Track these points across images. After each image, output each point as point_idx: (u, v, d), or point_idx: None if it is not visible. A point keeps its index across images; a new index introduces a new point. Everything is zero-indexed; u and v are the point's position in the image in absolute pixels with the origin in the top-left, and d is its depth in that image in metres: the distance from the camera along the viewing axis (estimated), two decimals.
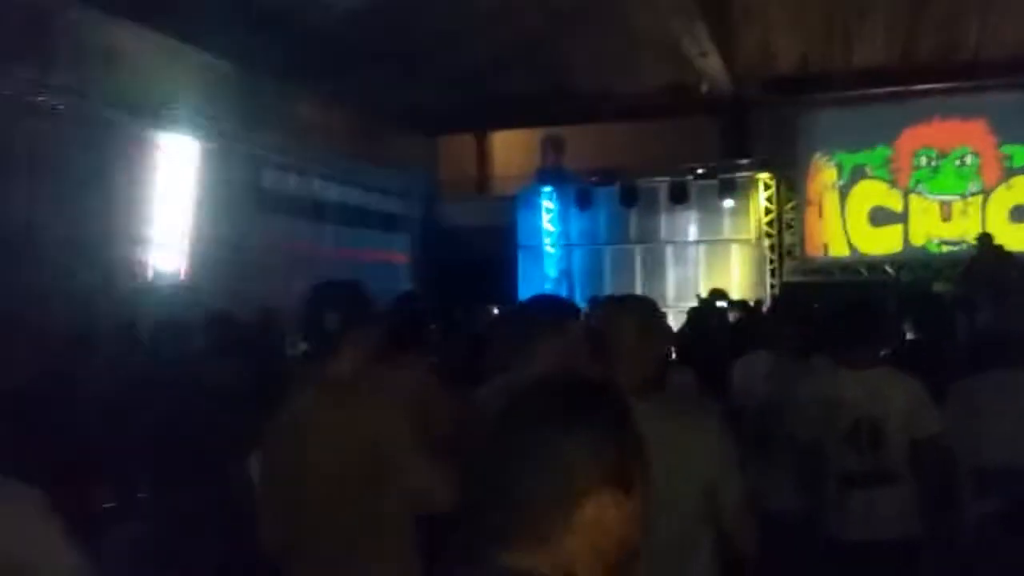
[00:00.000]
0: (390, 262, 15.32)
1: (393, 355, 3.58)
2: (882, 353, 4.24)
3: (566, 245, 16.19)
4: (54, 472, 3.77)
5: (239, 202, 11.67)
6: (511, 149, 17.68)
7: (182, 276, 10.46)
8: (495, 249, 15.80)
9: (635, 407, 1.34)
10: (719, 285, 12.05)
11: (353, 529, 2.41)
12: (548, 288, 14.87)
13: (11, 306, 8.01)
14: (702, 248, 15.43)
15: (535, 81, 14.23)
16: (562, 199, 16.11)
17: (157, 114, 10.65)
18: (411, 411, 2.64)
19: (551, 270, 16.03)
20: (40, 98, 9.38)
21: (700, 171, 14.91)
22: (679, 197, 15.04)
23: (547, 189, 16.10)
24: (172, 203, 10.47)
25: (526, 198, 16.25)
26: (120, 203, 9.89)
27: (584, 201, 15.71)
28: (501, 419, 1.18)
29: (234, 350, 5.85)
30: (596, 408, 1.17)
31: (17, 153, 9.15)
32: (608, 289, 14.58)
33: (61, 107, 9.44)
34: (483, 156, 17.98)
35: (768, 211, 15.04)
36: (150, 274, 10.11)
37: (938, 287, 11.29)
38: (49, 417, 4.47)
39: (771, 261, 14.92)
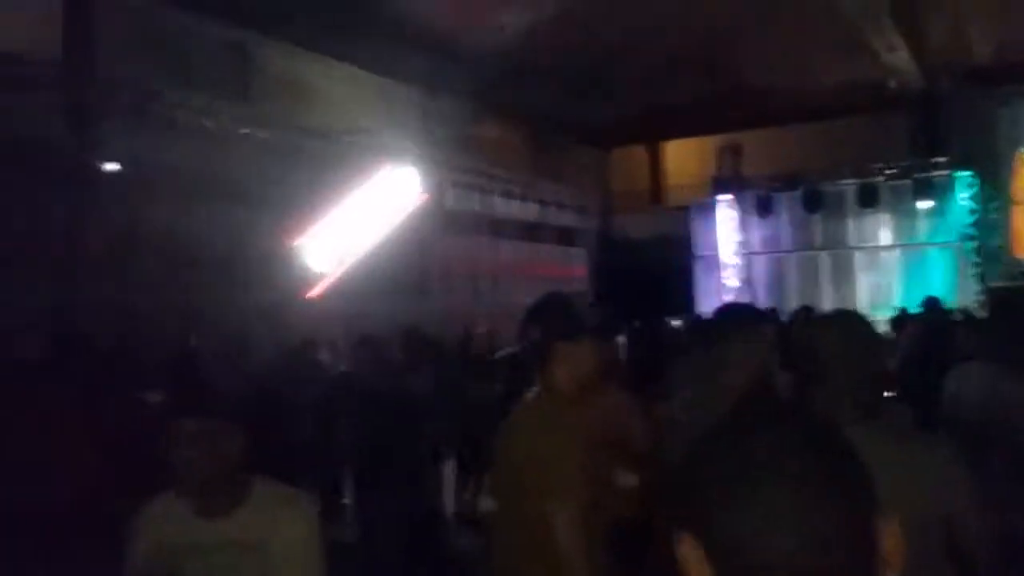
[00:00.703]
0: (568, 276, 15.41)
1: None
2: None
3: (746, 254, 15.70)
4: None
5: (424, 222, 12.10)
6: (685, 158, 17.43)
7: (371, 293, 10.94)
8: (671, 260, 15.57)
9: (850, 432, 1.12)
10: (918, 292, 11.34)
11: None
12: (727, 299, 14.47)
13: (219, 322, 8.70)
14: (896, 253, 14.52)
15: (709, 87, 13.94)
16: (741, 207, 15.65)
17: (347, 141, 11.22)
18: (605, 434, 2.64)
19: (730, 280, 15.60)
20: (243, 130, 10.13)
21: (891, 171, 14.07)
22: (869, 200, 14.24)
23: (724, 197, 15.70)
24: (362, 224, 10.98)
25: (701, 207, 15.91)
26: (316, 225, 10.48)
27: (764, 208, 15.19)
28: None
29: (427, 364, 6.07)
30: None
31: (224, 181, 9.93)
32: (792, 299, 14.02)
33: (263, 138, 10.13)
34: (656, 167, 17.81)
35: (970, 212, 13.97)
36: (343, 291, 10.63)
37: None
38: (269, 426, 4.76)
39: (976, 265, 13.83)
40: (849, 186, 14.53)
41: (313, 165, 10.55)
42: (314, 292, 10.14)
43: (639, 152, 17.73)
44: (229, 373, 5.01)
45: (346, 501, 5.84)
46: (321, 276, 10.27)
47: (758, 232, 15.62)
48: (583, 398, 2.56)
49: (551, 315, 2.61)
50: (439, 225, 12.58)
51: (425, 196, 12.07)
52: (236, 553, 1.99)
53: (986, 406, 4.12)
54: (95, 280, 8.08)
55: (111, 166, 9.20)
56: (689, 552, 0.89)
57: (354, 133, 11.37)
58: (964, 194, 13.98)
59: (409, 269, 11.48)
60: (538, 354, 2.55)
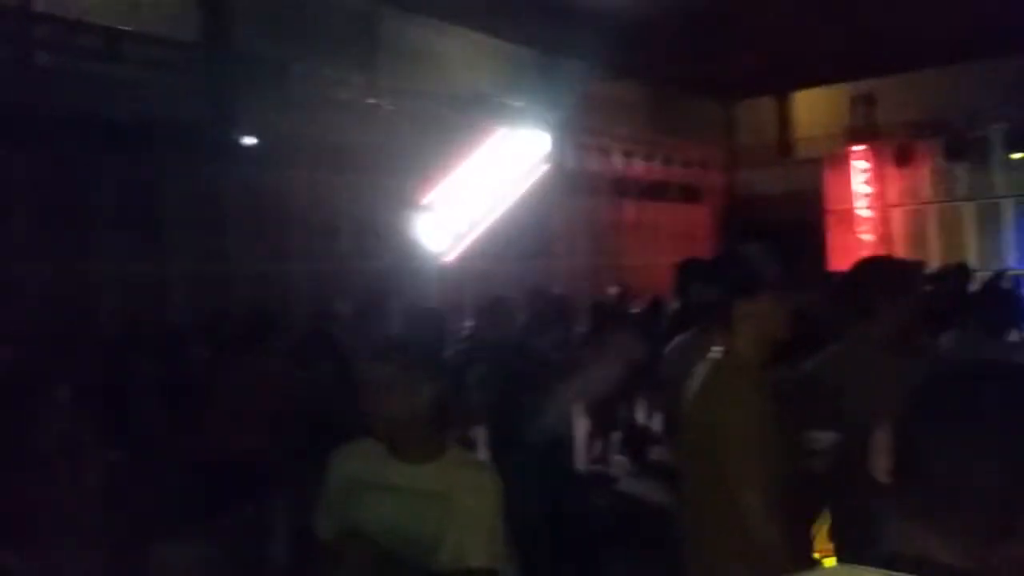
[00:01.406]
0: (693, 234, 15.15)
1: None
2: None
3: (882, 207, 15.01)
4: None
5: (546, 184, 12.12)
6: (815, 109, 16.75)
7: (496, 255, 11.08)
8: (801, 215, 15.06)
9: None
10: None
11: None
12: (862, 255, 13.90)
13: (359, 288, 9.03)
14: None
15: (839, 33, 13.27)
16: (876, 158, 14.94)
17: (470, 106, 11.33)
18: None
19: (866, 235, 14.97)
20: (371, 100, 10.38)
21: None
22: (1018, 145, 13.31)
23: (858, 148, 15.02)
24: (487, 187, 11.10)
25: (834, 160, 15.28)
26: (444, 190, 10.67)
27: (902, 158, 14.45)
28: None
29: (552, 324, 6.09)
30: None
31: (357, 151, 10.23)
32: (933, 253, 13.36)
33: (391, 107, 10.35)
34: (785, 119, 17.19)
35: None
36: (469, 254, 10.81)
37: None
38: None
39: None
40: (997, 131, 13.62)
41: (438, 131, 10.73)
42: (444, 256, 10.35)
43: (766, 104, 17.14)
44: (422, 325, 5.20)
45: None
46: (450, 240, 10.46)
47: (895, 184, 14.89)
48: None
49: (728, 271, 2.49)
50: (561, 186, 12.57)
51: (547, 158, 12.08)
52: (420, 500, 2.06)
53: None
54: (247, 252, 8.51)
55: (250, 140, 9.63)
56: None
57: (476, 98, 11.46)
58: None
59: (533, 231, 11.55)
60: (716, 315, 2.45)
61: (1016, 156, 13.45)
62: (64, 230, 7.30)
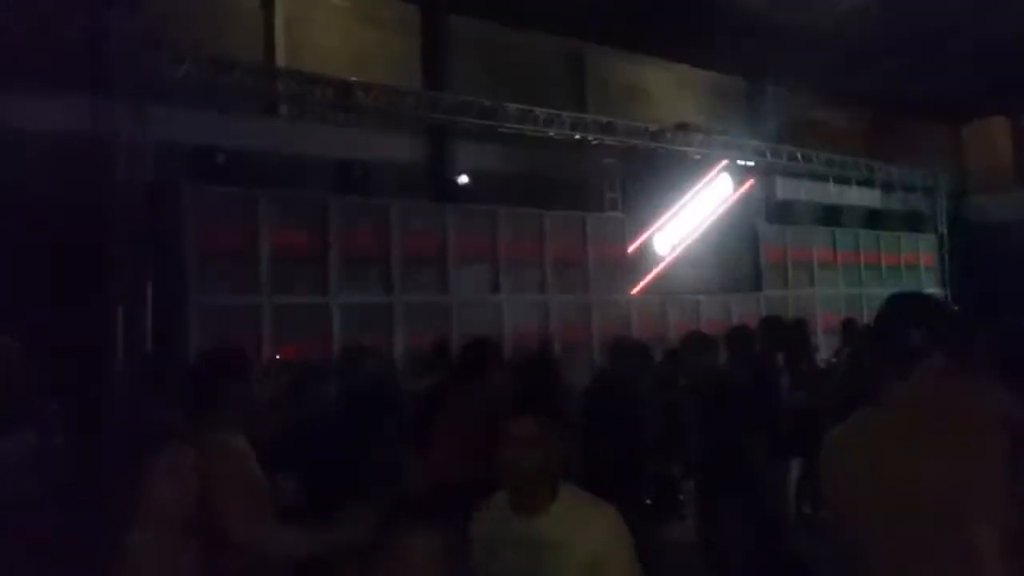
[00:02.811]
0: (915, 265, 14.21)
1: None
2: None
3: None
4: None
5: (754, 212, 11.88)
6: None
7: (702, 287, 10.95)
8: None
9: None
10: None
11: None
12: None
13: (568, 321, 9.27)
14: None
15: None
16: None
17: (676, 137, 11.33)
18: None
19: None
20: (577, 136, 10.65)
21: None
22: None
23: None
24: (696, 219, 11.05)
25: None
26: (655, 223, 10.71)
27: None
28: None
29: (749, 360, 5.90)
30: None
31: (567, 186, 10.55)
32: None
33: (595, 142, 10.58)
34: (1021, 140, 15.85)
35: None
36: (676, 286, 10.76)
37: None
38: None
39: None
40: None
41: (648, 164, 10.83)
42: (651, 287, 10.39)
43: (999, 124, 15.89)
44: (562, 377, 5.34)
45: (681, 498, 5.93)
46: (657, 272, 10.49)
47: None
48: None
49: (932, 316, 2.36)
50: (769, 215, 12.25)
51: (755, 186, 11.83)
52: (542, 551, 2.11)
53: None
54: (462, 283, 8.97)
55: (464, 179, 10.17)
56: None
57: (682, 129, 11.46)
58: None
59: (740, 261, 11.33)
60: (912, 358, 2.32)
61: None
62: (302, 265, 8.00)
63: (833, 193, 13.67)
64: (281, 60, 9.72)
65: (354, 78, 9.28)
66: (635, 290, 10.23)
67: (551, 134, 10.41)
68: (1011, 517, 2.06)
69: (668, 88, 12.75)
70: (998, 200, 14.85)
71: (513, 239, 9.40)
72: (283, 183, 8.18)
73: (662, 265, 10.60)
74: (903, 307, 2.33)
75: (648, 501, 7.09)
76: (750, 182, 11.76)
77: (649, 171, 10.81)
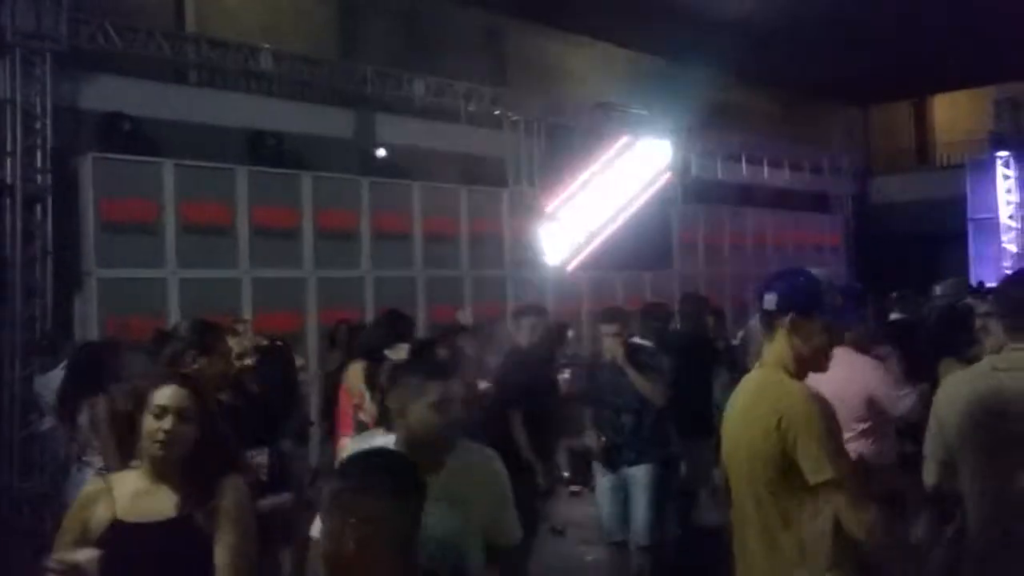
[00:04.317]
0: (821, 244, 14.71)
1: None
2: None
3: None
4: None
5: (670, 191, 12.05)
6: (956, 113, 16.00)
7: (616, 264, 11.08)
8: (940, 225, 14.42)
9: None
10: None
11: None
12: (1006, 266, 13.21)
13: (479, 296, 9.28)
14: None
15: (981, 34, 12.62)
16: (1022, 164, 14.13)
17: (596, 116, 11.41)
18: None
19: (1010, 245, 14.16)
20: (497, 111, 10.63)
21: None
22: None
23: (1003, 154, 14.24)
24: (610, 196, 11.15)
25: (977, 166, 14.54)
26: (568, 199, 10.78)
27: None
28: None
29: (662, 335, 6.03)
30: None
31: (483, 161, 10.52)
32: None
33: (514, 118, 10.57)
34: (922, 123, 16.49)
35: None
36: (589, 263, 10.86)
37: None
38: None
39: None
40: None
41: (566, 141, 10.86)
42: (565, 264, 10.46)
43: (902, 108, 16.50)
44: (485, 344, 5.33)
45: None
46: (570, 249, 10.56)
47: None
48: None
49: (789, 286, 2.52)
50: (682, 195, 12.47)
51: (671, 166, 12.01)
52: (442, 507, 2.18)
53: None
54: (376, 260, 8.87)
55: (381, 152, 10.05)
56: None
57: (602, 108, 11.54)
58: None
59: (653, 239, 11.50)
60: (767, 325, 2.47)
61: None
62: (210, 238, 7.79)
63: (745, 173, 14.00)
64: (191, 26, 9.41)
65: (266, 45, 9.08)
66: (551, 266, 10.29)
67: (471, 108, 10.38)
68: (841, 477, 2.19)
69: (588, 66, 12.80)
70: (899, 181, 15.44)
71: (429, 214, 9.35)
72: (192, 152, 7.93)
73: (578, 241, 10.67)
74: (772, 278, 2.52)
75: (565, 473, 7.25)
76: (666, 161, 11.93)
77: (568, 148, 10.85)
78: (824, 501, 2.23)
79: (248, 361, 4.13)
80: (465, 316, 7.69)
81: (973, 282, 11.06)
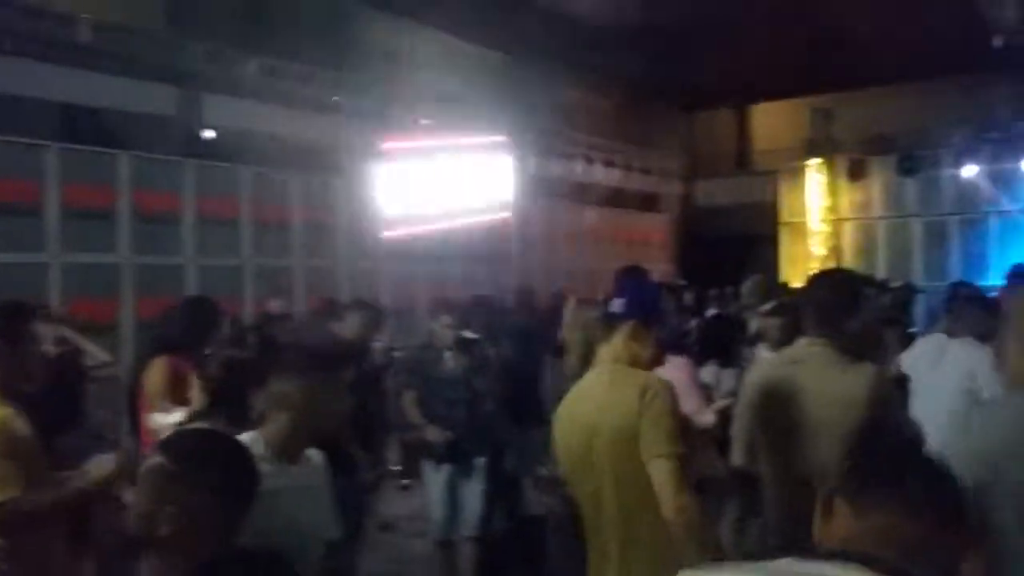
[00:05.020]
0: (650, 242, 15.33)
1: None
2: None
3: (835, 220, 15.32)
4: None
5: (507, 187, 12.17)
6: (773, 122, 17.03)
7: (452, 258, 11.09)
8: (755, 227, 15.34)
9: None
10: (1017, 261, 10.93)
11: None
12: (813, 267, 14.21)
13: (309, 288, 9.03)
14: (998, 220, 13.92)
15: (799, 48, 13.53)
16: (831, 172, 15.26)
17: (435, 107, 11.36)
18: None
19: (818, 247, 15.27)
20: (334, 97, 10.38)
21: (991, 135, 13.50)
22: (966, 164, 13.71)
23: (814, 162, 15.32)
24: (446, 189, 11.13)
25: (790, 172, 15.57)
26: (404, 190, 10.67)
27: (856, 173, 14.82)
28: None
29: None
30: None
31: (317, 148, 10.24)
32: (882, 266, 13.70)
33: (354, 105, 10.36)
34: (743, 130, 17.46)
35: None
36: (425, 256, 10.82)
37: None
38: None
39: None
40: (947, 149, 13.99)
41: (404, 132, 10.75)
42: (400, 255, 10.36)
43: (725, 115, 17.40)
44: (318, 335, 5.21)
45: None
46: (405, 241, 10.47)
47: (847, 198, 15.23)
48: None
49: (638, 294, 2.66)
50: (520, 190, 12.65)
51: (508, 161, 12.14)
52: (304, 494, 2.30)
53: None
54: (199, 246, 8.45)
55: (210, 133, 9.58)
56: None
57: (442, 99, 11.50)
58: None
59: (489, 235, 11.60)
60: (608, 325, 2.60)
61: (963, 174, 13.84)
62: (17, 220, 7.20)
63: (581, 171, 14.37)
64: None
65: (86, 15, 8.45)
66: (383, 256, 10.16)
67: (308, 92, 10.08)
68: (671, 454, 2.30)
69: (432, 57, 12.69)
70: (722, 184, 16.29)
71: (259, 200, 9.01)
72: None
73: (412, 233, 10.59)
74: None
75: (398, 467, 7.19)
76: (505, 156, 12.05)
77: (407, 139, 10.75)
78: (651, 472, 2.32)
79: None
80: (279, 306, 7.47)
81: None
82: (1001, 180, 13.74)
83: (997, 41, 12.63)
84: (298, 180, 9.53)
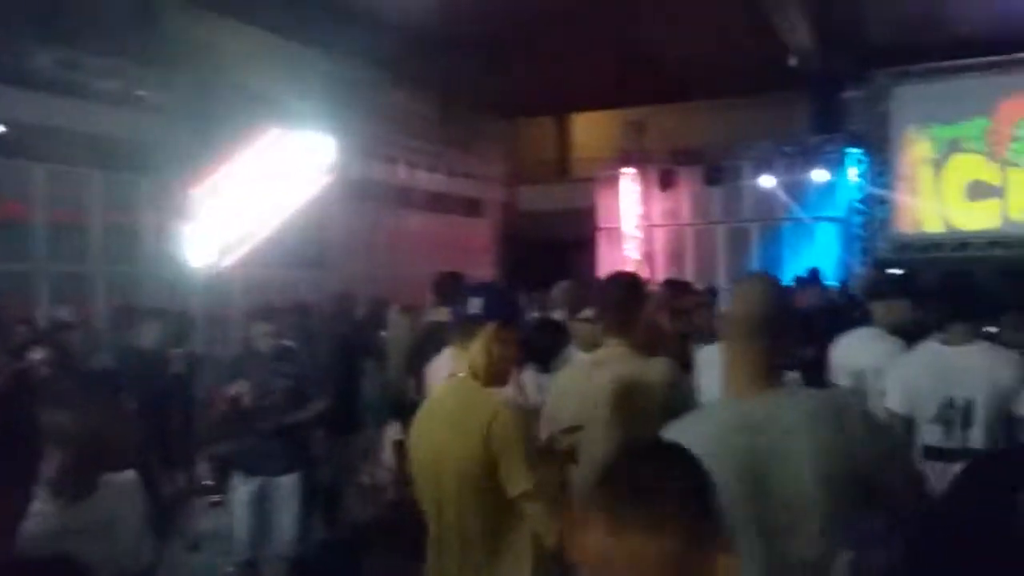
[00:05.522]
0: (473, 247, 15.47)
1: None
2: (985, 330, 4.12)
3: (648, 226, 16.06)
4: None
5: (327, 190, 11.93)
6: (592, 131, 17.63)
7: (270, 263, 10.74)
8: (574, 232, 15.82)
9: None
10: (808, 264, 11.85)
11: None
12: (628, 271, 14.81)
13: (113, 292, 8.47)
14: (790, 226, 15.08)
15: (615, 63, 14.09)
16: (643, 180, 15.98)
17: (251, 106, 10.95)
18: None
19: (632, 251, 15.95)
20: (142, 92, 9.79)
21: (786, 148, 14.60)
22: (764, 175, 14.77)
23: (628, 171, 15.99)
24: (264, 191, 10.76)
25: (606, 180, 16.17)
26: (218, 192, 10.23)
27: (667, 182, 15.61)
28: None
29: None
30: None
31: (122, 145, 9.60)
32: (690, 271, 14.47)
33: (162, 101, 9.81)
34: (564, 139, 17.97)
35: (859, 187, 14.62)
36: (241, 261, 10.42)
37: None
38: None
39: (861, 239, 14.52)
40: (747, 161, 15.01)
41: (216, 130, 10.28)
42: (213, 262, 9.91)
43: (547, 124, 17.84)
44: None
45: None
46: (220, 245, 10.03)
47: (659, 205, 16.01)
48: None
49: (493, 295, 2.57)
50: (342, 194, 12.43)
51: (329, 164, 11.89)
52: (89, 536, 2.09)
53: (864, 371, 4.40)
54: None
55: None
56: None
57: (258, 98, 11.10)
58: (854, 170, 14.59)
59: (309, 239, 11.32)
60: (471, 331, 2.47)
61: (762, 184, 14.88)
62: None
63: (403, 175, 14.29)
64: None
65: None
66: (196, 260, 9.70)
67: (111, 86, 9.45)
68: (535, 487, 2.28)
69: (248, 54, 12.21)
70: (543, 191, 16.69)
71: (55, 200, 8.37)
72: None
73: (229, 237, 10.18)
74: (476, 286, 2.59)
75: (211, 482, 6.85)
76: (324, 158, 11.79)
77: (216, 137, 10.29)
78: (523, 511, 2.28)
79: None
80: (67, 313, 6.96)
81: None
82: (795, 190, 14.87)
83: (792, 62, 13.68)
84: (98, 179, 8.90)
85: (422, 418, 2.54)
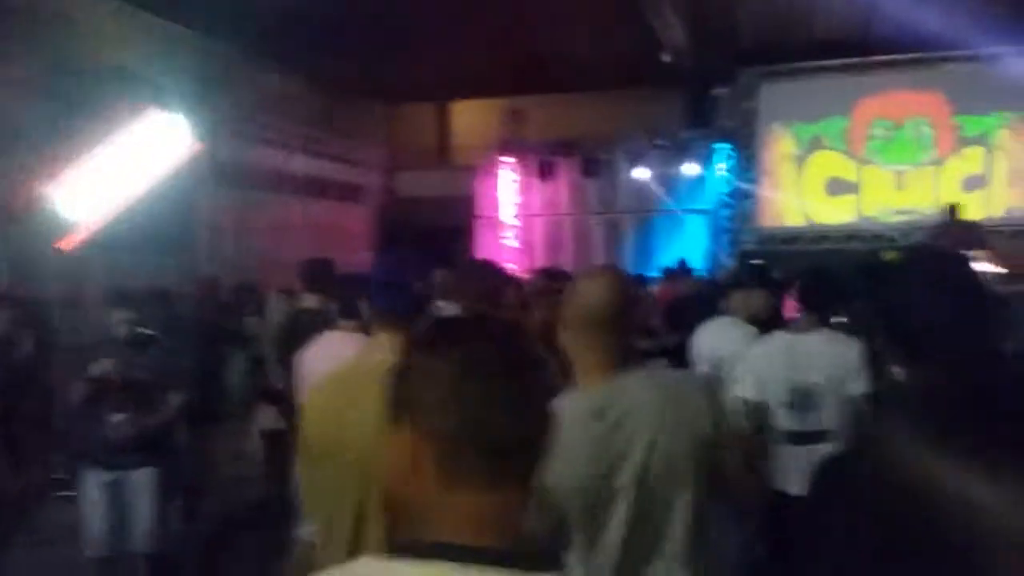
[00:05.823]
0: (350, 233, 15.26)
1: None
2: (836, 320, 4.36)
3: (526, 216, 16.23)
4: None
5: (194, 172, 11.49)
6: (472, 120, 17.63)
7: (131, 247, 10.28)
8: (453, 220, 15.82)
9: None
10: (678, 255, 12.24)
11: None
12: (507, 259, 14.95)
13: None
14: (662, 218, 15.55)
15: (496, 52, 14.13)
16: (522, 170, 16.13)
17: (110, 81, 10.41)
18: None
19: (510, 240, 16.08)
20: None
21: (660, 142, 15.03)
22: (639, 168, 15.17)
23: (507, 160, 16.10)
24: (124, 171, 10.27)
25: (486, 169, 16.24)
26: (73, 171, 9.70)
27: (545, 172, 15.79)
28: None
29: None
30: None
31: None
32: (567, 260, 14.72)
33: (16, 77, 9.21)
34: (444, 126, 17.90)
35: (727, 181, 15.19)
36: (101, 244, 9.93)
37: (889, 256, 11.50)
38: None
39: (727, 231, 15.10)
40: (622, 154, 15.37)
41: (73, 106, 9.73)
42: (69, 244, 9.40)
43: (427, 110, 17.72)
44: None
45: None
46: (77, 227, 9.52)
47: (538, 195, 16.20)
48: None
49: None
50: (211, 177, 12.00)
51: (197, 145, 11.44)
52: None
53: (723, 359, 4.58)
54: None
55: None
56: None
57: (124, 77, 10.56)
58: (723, 165, 15.15)
59: (176, 222, 10.88)
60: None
61: (636, 176, 15.27)
62: None
63: (278, 159, 13.93)
64: None
65: None
66: (52, 244, 9.18)
67: None
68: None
69: (105, 25, 11.60)
70: (422, 178, 16.60)
71: None
72: None
73: (85, 218, 9.67)
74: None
75: (67, 476, 6.52)
76: (191, 141, 11.34)
77: (75, 115, 9.75)
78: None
79: None
80: None
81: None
82: (667, 182, 15.33)
83: (666, 57, 14.05)
84: None
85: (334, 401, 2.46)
